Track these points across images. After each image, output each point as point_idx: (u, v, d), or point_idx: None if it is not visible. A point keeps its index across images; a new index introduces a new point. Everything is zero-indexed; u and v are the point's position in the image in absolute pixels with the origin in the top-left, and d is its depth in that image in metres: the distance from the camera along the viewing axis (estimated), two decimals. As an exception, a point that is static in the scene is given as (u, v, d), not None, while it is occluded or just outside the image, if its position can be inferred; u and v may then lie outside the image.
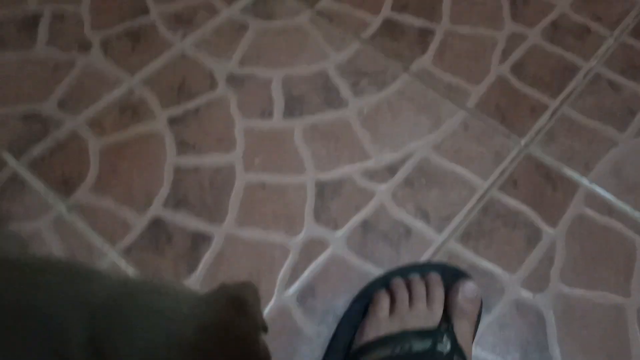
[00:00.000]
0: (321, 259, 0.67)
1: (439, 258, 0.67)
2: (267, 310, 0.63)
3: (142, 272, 0.65)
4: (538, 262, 0.67)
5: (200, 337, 0.46)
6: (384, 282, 0.63)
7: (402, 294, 0.59)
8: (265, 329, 0.54)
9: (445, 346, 0.55)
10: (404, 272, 0.63)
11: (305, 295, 0.65)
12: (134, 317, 0.46)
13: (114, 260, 0.65)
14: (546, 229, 0.69)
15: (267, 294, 0.64)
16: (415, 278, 0.61)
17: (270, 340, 0.62)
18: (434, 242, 0.68)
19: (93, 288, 0.44)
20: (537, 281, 0.66)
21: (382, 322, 0.57)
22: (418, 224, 0.69)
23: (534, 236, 0.69)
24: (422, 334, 0.55)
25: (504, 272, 0.67)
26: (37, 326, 0.47)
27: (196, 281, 0.64)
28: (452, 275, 0.62)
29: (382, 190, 0.71)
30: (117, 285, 0.48)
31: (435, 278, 0.61)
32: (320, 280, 0.66)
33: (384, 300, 0.59)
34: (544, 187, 0.72)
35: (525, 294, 0.65)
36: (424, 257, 0.67)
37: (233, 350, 0.45)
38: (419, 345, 0.55)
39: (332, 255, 0.67)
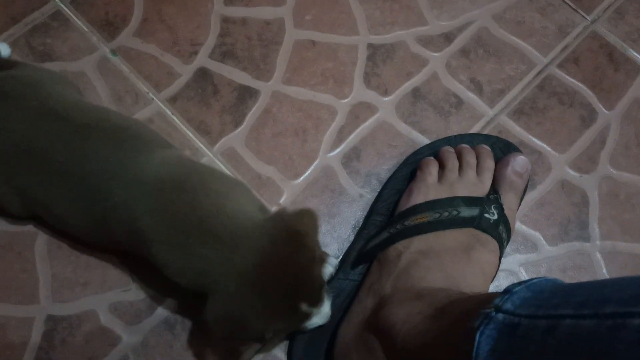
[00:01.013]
0: (368, 123, 0.66)
1: (489, 132, 0.66)
2: (311, 169, 0.63)
3: (187, 122, 0.64)
4: (589, 143, 0.66)
5: (259, 270, 0.46)
6: (433, 150, 0.62)
7: (452, 161, 0.58)
8: (322, 260, 0.54)
9: (493, 215, 0.55)
10: (454, 141, 0.62)
11: (350, 158, 0.64)
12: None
13: (159, 108, 0.64)
14: (602, 110, 0.67)
15: (312, 153, 0.64)
16: (466, 147, 0.60)
17: (314, 198, 0.62)
18: (485, 116, 0.66)
19: None
20: (586, 162, 0.65)
21: (430, 187, 0.57)
22: (470, 96, 0.67)
23: (588, 117, 0.67)
24: (470, 200, 0.55)
25: (553, 151, 0.65)
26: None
27: (241, 135, 0.64)
28: (502, 148, 0.61)
29: (436, 58, 0.68)
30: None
31: (486, 149, 0.60)
32: (366, 144, 0.65)
33: (433, 167, 0.59)
34: (606, 67, 0.69)
35: (572, 174, 0.65)
36: (473, 130, 0.66)
37: (289, 282, 0.47)
38: (467, 212, 0.55)
39: (380, 121, 0.66)
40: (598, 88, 0.68)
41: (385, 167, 0.64)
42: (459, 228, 0.54)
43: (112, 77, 0.65)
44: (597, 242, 0.62)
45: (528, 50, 0.69)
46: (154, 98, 0.65)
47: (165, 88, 0.65)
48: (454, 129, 0.66)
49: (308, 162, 0.64)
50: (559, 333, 0.31)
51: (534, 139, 0.66)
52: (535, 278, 0.38)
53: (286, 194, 0.62)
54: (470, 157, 0.59)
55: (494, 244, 0.55)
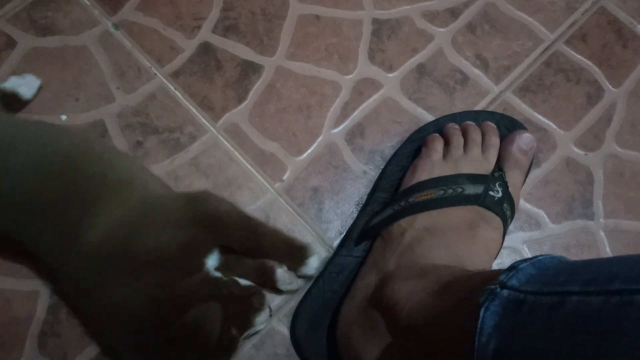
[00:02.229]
0: (373, 99, 0.65)
1: (494, 109, 0.65)
2: (314, 146, 0.63)
3: (190, 97, 0.64)
4: (595, 121, 0.65)
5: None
6: (438, 127, 0.61)
7: (457, 138, 0.58)
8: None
9: (497, 193, 0.55)
10: (458, 118, 0.62)
11: (354, 135, 0.64)
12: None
13: (162, 83, 0.64)
14: (609, 88, 0.66)
15: (316, 130, 0.64)
16: (471, 124, 0.59)
17: (318, 174, 0.62)
18: (490, 92, 0.66)
19: None
20: (591, 140, 0.65)
21: (435, 164, 0.57)
22: (476, 72, 0.66)
23: (595, 94, 0.66)
24: (475, 178, 0.55)
25: (558, 128, 0.65)
26: None
27: (245, 111, 0.63)
28: (507, 125, 0.61)
29: (442, 33, 0.68)
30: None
31: (491, 126, 0.59)
32: (370, 121, 0.65)
33: (438, 143, 0.58)
34: (614, 44, 0.68)
35: (577, 152, 0.64)
36: (478, 107, 0.65)
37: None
38: (471, 189, 0.55)
39: (384, 97, 0.65)
40: (605, 65, 0.67)
41: (389, 144, 0.64)
42: (464, 205, 0.54)
43: (114, 52, 0.65)
44: (601, 220, 0.62)
45: (535, 26, 0.68)
46: (157, 73, 0.64)
47: (168, 63, 0.65)
48: (459, 106, 0.65)
49: (312, 138, 0.63)
50: (565, 310, 0.31)
51: (540, 117, 0.65)
52: (541, 255, 0.38)
53: (290, 170, 0.62)
54: (475, 134, 0.58)
55: (498, 221, 0.55)
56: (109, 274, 0.49)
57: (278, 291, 0.56)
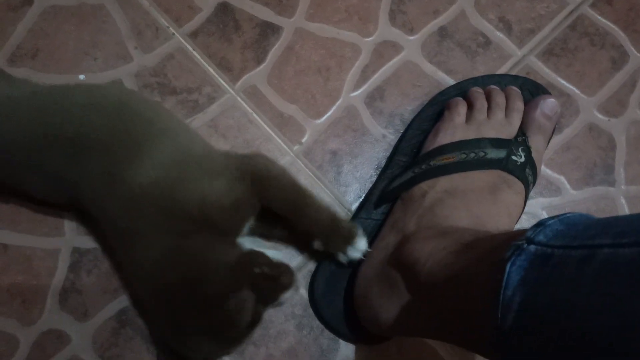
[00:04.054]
0: (393, 62, 0.64)
1: (517, 73, 0.64)
2: (333, 109, 0.62)
3: (208, 58, 0.63)
4: (619, 87, 0.64)
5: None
6: (459, 90, 0.60)
7: (480, 102, 0.57)
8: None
9: (520, 157, 0.54)
10: (481, 82, 0.61)
11: (374, 98, 0.63)
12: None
13: (180, 44, 0.63)
14: (634, 53, 0.65)
15: (335, 93, 0.63)
16: (495, 88, 0.58)
17: (336, 137, 0.62)
18: (513, 56, 0.65)
19: None
20: (615, 106, 0.64)
21: (457, 128, 0.56)
22: (499, 36, 0.65)
23: (620, 59, 0.65)
24: (498, 142, 0.55)
25: (582, 93, 0.64)
26: None
27: (264, 72, 0.63)
28: (530, 89, 0.60)
29: (465, -5, 0.66)
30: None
31: (515, 90, 0.58)
32: (390, 84, 0.64)
33: (461, 107, 0.57)
34: (641, 8, 0.66)
35: (600, 117, 0.63)
36: (501, 71, 0.64)
37: None
38: (494, 153, 0.54)
39: (405, 60, 0.64)
40: (631, 29, 0.66)
41: (409, 108, 0.63)
42: (486, 169, 0.54)
43: (131, 11, 0.64)
44: (622, 187, 0.62)
45: (560, -12, 0.67)
46: (175, 33, 0.63)
47: (185, 23, 0.64)
48: (481, 70, 0.64)
49: (331, 101, 0.63)
50: (596, 261, 0.30)
51: (563, 81, 0.64)
52: (568, 212, 0.37)
53: (308, 133, 0.62)
54: (499, 98, 0.57)
55: (520, 185, 0.54)
56: (153, 221, 0.48)
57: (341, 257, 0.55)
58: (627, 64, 0.65)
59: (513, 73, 0.64)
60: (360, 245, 0.53)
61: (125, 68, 0.62)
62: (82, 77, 0.62)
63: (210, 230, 0.48)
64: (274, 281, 0.48)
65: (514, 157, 0.54)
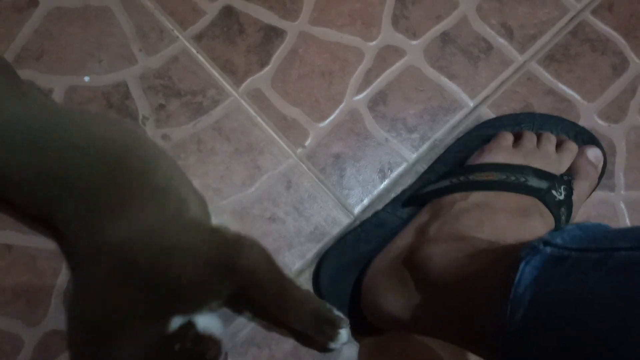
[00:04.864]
0: (396, 67, 0.65)
1: (518, 79, 0.65)
2: (337, 112, 0.63)
3: (212, 61, 0.63)
4: (619, 93, 0.65)
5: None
6: (514, 120, 0.61)
7: (531, 134, 0.57)
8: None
9: (560, 195, 0.53)
10: (538, 119, 0.61)
11: (377, 102, 0.64)
12: None
13: (184, 46, 0.63)
14: (634, 60, 0.66)
15: (339, 96, 0.63)
16: (548, 132, 0.58)
17: (339, 141, 0.62)
18: (515, 62, 0.65)
19: None
20: (615, 111, 0.65)
21: (504, 150, 0.56)
22: (500, 41, 0.66)
23: (620, 65, 0.66)
24: (542, 174, 0.54)
25: (582, 99, 0.65)
26: None
27: (267, 76, 0.63)
28: (585, 140, 0.59)
29: (467, 1, 0.67)
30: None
31: (569, 139, 0.58)
32: (393, 88, 0.64)
33: (509, 136, 0.57)
34: (641, 15, 0.67)
35: (601, 123, 0.64)
36: (502, 76, 0.65)
37: None
38: (535, 182, 0.53)
39: (407, 65, 0.65)
40: (632, 36, 0.66)
41: (411, 112, 0.63)
42: (523, 194, 0.53)
43: (136, 13, 0.64)
44: (622, 192, 0.62)
45: (562, -6, 0.67)
46: (179, 36, 0.64)
47: (190, 25, 0.64)
48: (483, 75, 0.65)
49: (334, 104, 0.63)
50: (612, 263, 0.30)
51: (564, 87, 0.65)
52: (587, 222, 0.37)
53: (312, 136, 0.62)
54: (551, 136, 0.57)
55: (551, 220, 0.52)
56: (104, 271, 0.48)
57: (322, 347, 0.55)
58: (628, 70, 0.65)
59: (515, 78, 0.65)
60: (342, 340, 0.52)
61: (129, 70, 0.62)
62: (86, 78, 0.62)
63: (161, 305, 0.47)
64: (198, 356, 0.46)
65: (554, 192, 0.53)
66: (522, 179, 0.53)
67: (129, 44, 0.63)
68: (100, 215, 0.49)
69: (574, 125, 0.61)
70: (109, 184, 0.49)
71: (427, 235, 0.51)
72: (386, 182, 0.62)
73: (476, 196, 0.53)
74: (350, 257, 0.56)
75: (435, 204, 0.55)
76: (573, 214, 0.55)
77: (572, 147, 0.57)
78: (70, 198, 0.49)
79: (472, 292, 0.41)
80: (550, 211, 0.52)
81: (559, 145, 0.57)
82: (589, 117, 0.64)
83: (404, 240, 0.54)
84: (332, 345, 0.53)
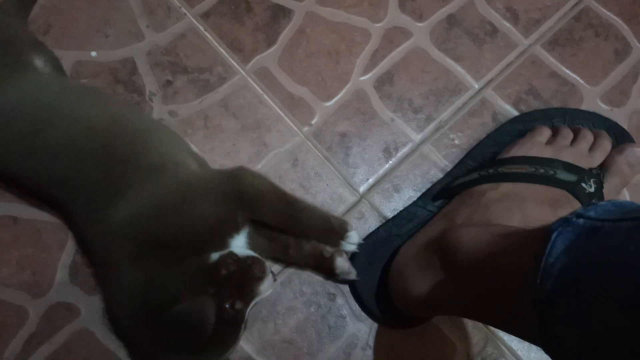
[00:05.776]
0: (402, 48, 0.65)
1: (523, 62, 0.65)
2: (343, 92, 0.63)
3: (220, 39, 0.63)
4: (622, 77, 0.66)
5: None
6: (545, 115, 0.61)
7: (567, 131, 0.57)
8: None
9: (590, 187, 0.53)
10: (570, 113, 0.61)
11: (383, 82, 0.64)
12: None
13: (191, 24, 0.63)
14: (637, 45, 0.67)
15: (345, 76, 0.64)
16: (585, 128, 0.58)
17: (345, 120, 0.62)
18: (519, 45, 0.66)
19: None
20: (617, 95, 0.65)
21: (535, 145, 0.56)
22: (505, 25, 0.66)
23: (623, 50, 0.66)
24: (571, 167, 0.54)
25: (585, 83, 0.65)
26: None
27: (275, 54, 0.63)
28: (617, 135, 0.60)
29: (473, -16, 0.67)
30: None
31: (606, 134, 0.58)
32: (399, 69, 0.65)
33: (545, 130, 0.58)
34: (644, 2, 0.68)
35: (604, 107, 0.65)
36: (507, 60, 0.65)
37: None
38: (564, 175, 0.53)
39: (414, 46, 0.65)
40: (634, 22, 0.67)
41: (417, 93, 0.64)
42: (552, 187, 0.53)
43: (144, -10, 0.64)
44: (624, 175, 0.63)
45: (566, -20, 0.68)
46: (187, 13, 0.64)
47: (198, 3, 0.64)
48: (488, 57, 0.65)
49: (341, 84, 0.64)
50: None
51: (567, 71, 0.66)
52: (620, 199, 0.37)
53: (318, 115, 0.62)
54: (588, 134, 0.57)
55: None
56: (126, 254, 0.48)
57: (335, 278, 0.57)
58: (630, 55, 0.66)
59: (519, 62, 0.65)
60: (352, 239, 0.53)
61: (137, 46, 0.62)
62: (93, 54, 0.62)
63: (188, 250, 0.48)
64: (246, 275, 0.48)
65: (583, 185, 0.53)
66: (551, 172, 0.53)
67: (136, 20, 0.63)
68: (103, 195, 0.49)
69: (606, 120, 0.61)
70: (105, 161, 0.50)
71: (456, 221, 0.52)
72: (391, 161, 0.62)
73: (506, 187, 0.53)
74: (382, 250, 0.57)
75: (465, 195, 0.55)
76: None
77: (606, 145, 0.56)
78: (69, 176, 0.50)
79: (503, 268, 0.40)
80: (581, 202, 0.52)
81: (594, 142, 0.56)
82: (592, 101, 0.65)
83: (432, 226, 0.54)
84: (344, 246, 0.53)
